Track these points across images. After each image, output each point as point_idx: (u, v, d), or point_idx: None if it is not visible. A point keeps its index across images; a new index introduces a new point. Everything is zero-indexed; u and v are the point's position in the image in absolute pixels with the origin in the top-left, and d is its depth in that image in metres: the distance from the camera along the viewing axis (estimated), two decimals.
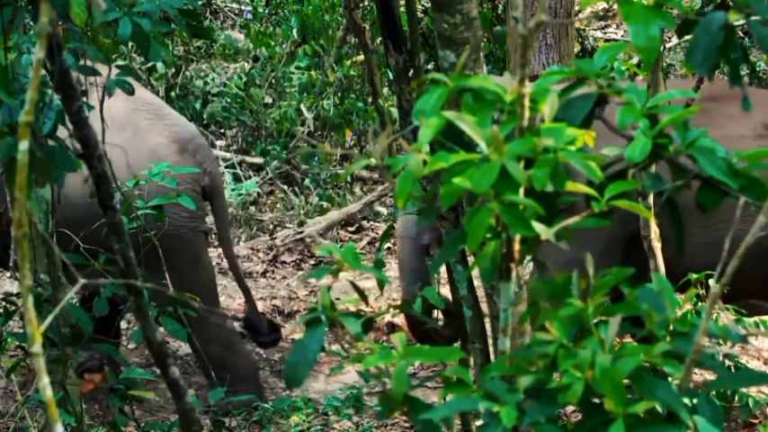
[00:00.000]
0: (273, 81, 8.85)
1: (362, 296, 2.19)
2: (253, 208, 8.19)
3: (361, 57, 8.28)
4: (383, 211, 8.09)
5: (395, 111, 3.89)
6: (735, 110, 4.77)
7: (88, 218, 4.49)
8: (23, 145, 1.51)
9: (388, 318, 6.47)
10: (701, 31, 2.00)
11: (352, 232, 7.92)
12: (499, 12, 8.53)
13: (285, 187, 8.38)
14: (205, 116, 8.90)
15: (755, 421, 5.13)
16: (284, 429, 5.48)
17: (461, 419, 3.42)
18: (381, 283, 2.13)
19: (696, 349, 1.81)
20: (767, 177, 1.92)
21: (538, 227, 1.82)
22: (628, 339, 2.93)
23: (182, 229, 5.34)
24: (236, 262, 5.88)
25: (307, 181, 8.40)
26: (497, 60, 8.23)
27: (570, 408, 2.28)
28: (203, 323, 5.07)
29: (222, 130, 8.98)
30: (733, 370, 4.20)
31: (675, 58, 9.44)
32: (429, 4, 6.11)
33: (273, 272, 7.45)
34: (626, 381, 1.77)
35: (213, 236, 6.67)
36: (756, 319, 5.04)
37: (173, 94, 8.86)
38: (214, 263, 6.45)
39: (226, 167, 8.44)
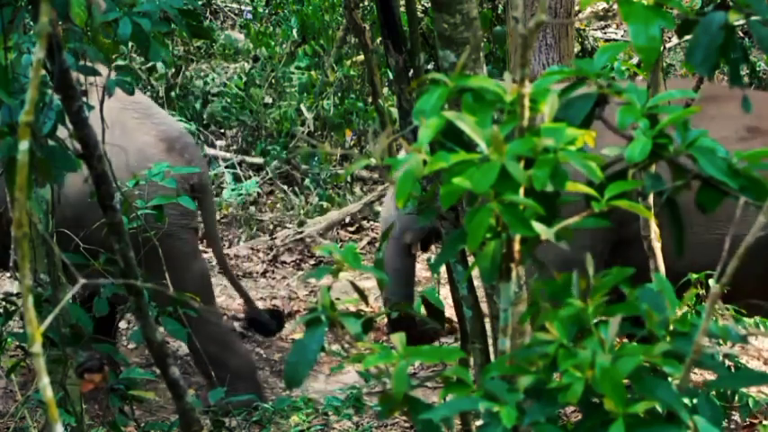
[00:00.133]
0: (273, 81, 8.85)
1: (362, 296, 2.19)
2: (253, 208, 8.19)
3: (361, 57, 8.28)
4: None
5: (395, 111, 3.89)
6: (717, 111, 4.77)
7: (84, 215, 4.50)
8: (23, 145, 1.51)
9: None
10: (701, 31, 2.00)
11: (352, 232, 7.92)
12: (499, 12, 8.52)
13: (285, 187, 8.38)
14: (205, 116, 8.90)
15: (755, 421, 5.13)
16: (284, 429, 5.48)
17: (461, 419, 3.42)
18: (381, 283, 2.13)
19: (696, 349, 1.81)
20: (767, 177, 1.92)
21: (538, 227, 1.82)
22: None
23: (172, 227, 5.34)
24: (225, 260, 5.91)
25: (307, 181, 8.41)
26: (497, 60, 8.23)
27: (570, 408, 2.28)
28: (199, 321, 5.07)
29: (222, 130, 8.98)
30: (733, 370, 4.20)
31: (675, 58, 9.43)
32: (429, 4, 6.11)
33: (273, 272, 7.45)
34: (626, 381, 1.77)
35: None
36: (756, 318, 5.04)
37: (173, 94, 8.86)
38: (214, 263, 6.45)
39: (226, 167, 8.44)
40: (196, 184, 5.51)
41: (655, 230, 3.84)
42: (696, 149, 1.93)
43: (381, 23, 3.52)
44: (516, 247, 1.91)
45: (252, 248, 7.66)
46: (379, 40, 5.68)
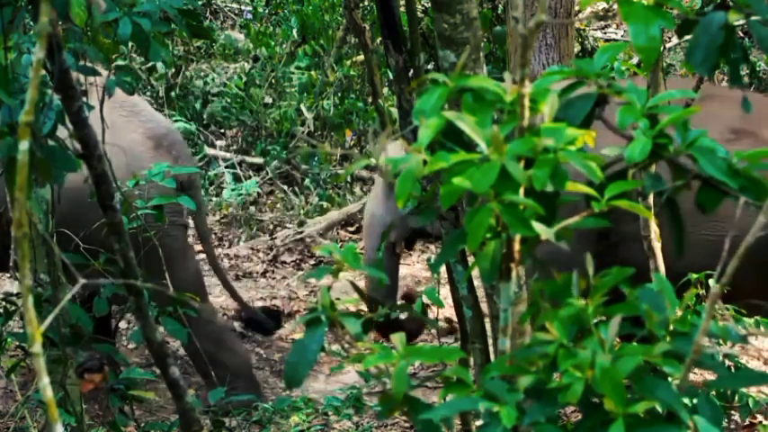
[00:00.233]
0: (273, 81, 8.85)
1: (362, 296, 2.20)
2: (253, 208, 8.19)
3: (361, 57, 8.28)
4: None
5: (395, 111, 3.89)
6: (702, 113, 4.75)
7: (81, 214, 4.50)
8: (23, 145, 1.51)
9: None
10: (701, 31, 2.00)
11: (352, 232, 7.92)
12: (499, 12, 8.52)
13: (285, 187, 8.38)
14: (205, 116, 8.90)
15: (755, 421, 5.13)
16: (284, 429, 5.48)
17: (461, 419, 3.42)
18: (381, 283, 2.13)
19: (696, 349, 1.81)
20: (767, 177, 1.92)
21: (538, 227, 1.82)
22: None
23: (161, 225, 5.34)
24: (216, 258, 5.90)
25: (307, 181, 8.41)
26: (497, 60, 8.23)
27: (570, 408, 2.28)
28: (192, 320, 5.06)
29: (222, 130, 8.98)
30: (733, 370, 4.20)
31: (675, 58, 9.44)
32: (429, 4, 6.11)
33: (273, 272, 7.45)
34: (626, 381, 1.77)
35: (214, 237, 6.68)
36: (757, 318, 5.04)
37: (173, 94, 8.87)
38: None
39: (226, 167, 8.44)
40: (185, 181, 5.50)
41: (655, 230, 3.84)
42: (696, 149, 1.93)
43: (381, 23, 3.52)
44: (516, 247, 1.91)
45: (252, 248, 7.66)
46: (379, 40, 5.68)
